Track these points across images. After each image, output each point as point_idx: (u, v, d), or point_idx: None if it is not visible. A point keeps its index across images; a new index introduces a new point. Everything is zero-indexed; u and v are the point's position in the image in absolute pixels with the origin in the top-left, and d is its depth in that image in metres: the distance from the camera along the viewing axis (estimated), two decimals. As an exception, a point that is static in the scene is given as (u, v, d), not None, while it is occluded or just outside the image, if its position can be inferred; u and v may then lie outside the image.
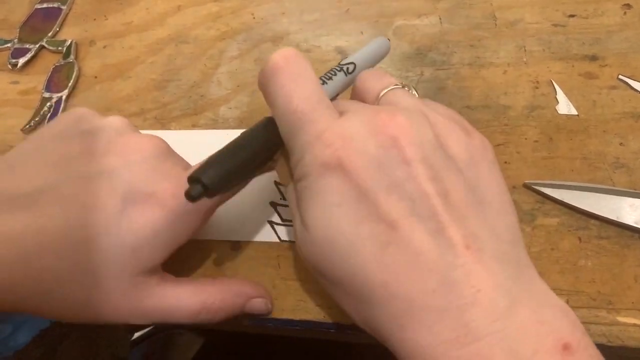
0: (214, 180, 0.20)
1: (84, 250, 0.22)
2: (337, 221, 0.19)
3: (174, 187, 0.23)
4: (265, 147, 0.23)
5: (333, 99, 0.25)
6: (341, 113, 0.21)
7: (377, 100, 0.23)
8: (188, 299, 0.24)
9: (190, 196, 0.20)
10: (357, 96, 0.24)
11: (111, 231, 0.22)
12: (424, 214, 0.18)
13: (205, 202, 0.23)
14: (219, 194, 0.22)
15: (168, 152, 0.26)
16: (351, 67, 0.25)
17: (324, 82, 0.24)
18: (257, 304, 0.26)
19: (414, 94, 0.23)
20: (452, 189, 0.18)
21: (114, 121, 0.26)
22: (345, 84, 0.25)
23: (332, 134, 0.19)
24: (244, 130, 0.23)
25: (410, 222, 0.18)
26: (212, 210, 0.25)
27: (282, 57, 0.21)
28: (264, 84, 0.22)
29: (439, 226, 0.18)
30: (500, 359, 0.16)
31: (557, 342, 0.17)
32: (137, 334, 0.44)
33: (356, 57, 0.26)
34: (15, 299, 0.22)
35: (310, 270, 0.22)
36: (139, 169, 0.24)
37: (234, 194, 0.26)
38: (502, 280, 0.17)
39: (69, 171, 0.23)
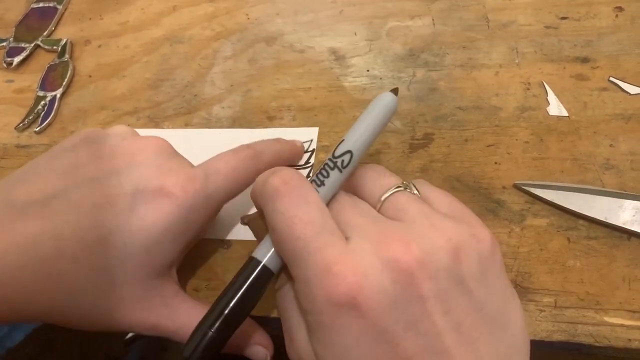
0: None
1: (98, 251, 0.22)
2: None
3: (182, 181, 0.24)
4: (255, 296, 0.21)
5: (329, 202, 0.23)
6: (345, 233, 0.20)
7: (378, 204, 0.22)
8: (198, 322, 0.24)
9: None
10: (355, 192, 0.23)
11: (123, 229, 0.23)
12: (438, 350, 0.18)
13: (213, 197, 0.25)
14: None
15: (172, 152, 0.26)
16: (347, 158, 0.22)
17: (318, 185, 0.22)
18: (257, 352, 0.25)
19: (415, 194, 0.22)
20: (464, 319, 0.19)
21: (117, 128, 0.27)
22: (341, 182, 0.23)
23: (343, 267, 0.18)
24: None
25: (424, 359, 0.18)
26: (220, 205, 0.26)
27: (282, 182, 0.20)
28: (262, 204, 0.21)
29: None
30: None
31: None
32: (130, 333, 0.44)
33: (353, 139, 0.23)
34: (34, 308, 0.22)
35: None
36: (146, 167, 0.24)
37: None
38: None
39: (78, 177, 0.24)
